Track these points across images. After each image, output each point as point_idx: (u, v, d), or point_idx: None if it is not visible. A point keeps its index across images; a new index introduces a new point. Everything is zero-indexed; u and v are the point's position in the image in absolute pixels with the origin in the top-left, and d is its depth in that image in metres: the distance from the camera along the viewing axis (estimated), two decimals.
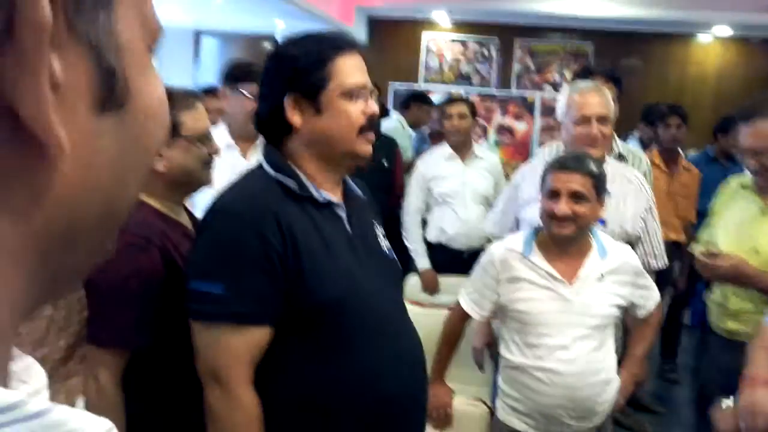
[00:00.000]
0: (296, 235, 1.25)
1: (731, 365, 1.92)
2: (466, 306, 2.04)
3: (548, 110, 6.72)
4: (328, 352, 1.28)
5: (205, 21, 6.12)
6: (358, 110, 1.31)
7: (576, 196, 1.87)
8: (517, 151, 6.78)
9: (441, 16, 6.73)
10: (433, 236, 3.66)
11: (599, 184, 1.93)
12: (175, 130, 1.47)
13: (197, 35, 6.75)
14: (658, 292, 2.09)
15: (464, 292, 2.07)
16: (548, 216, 1.90)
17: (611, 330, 2.01)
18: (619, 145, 2.73)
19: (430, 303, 3.24)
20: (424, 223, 3.73)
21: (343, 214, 1.37)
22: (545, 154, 2.50)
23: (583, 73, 2.79)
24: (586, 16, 5.83)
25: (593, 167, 1.93)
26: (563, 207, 1.86)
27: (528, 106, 6.79)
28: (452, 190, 3.59)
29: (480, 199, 3.57)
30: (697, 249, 2.29)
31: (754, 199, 2.23)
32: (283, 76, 1.30)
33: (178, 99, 1.48)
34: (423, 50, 7.01)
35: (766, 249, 2.12)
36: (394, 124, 4.81)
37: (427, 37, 7.00)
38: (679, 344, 4.60)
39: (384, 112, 4.91)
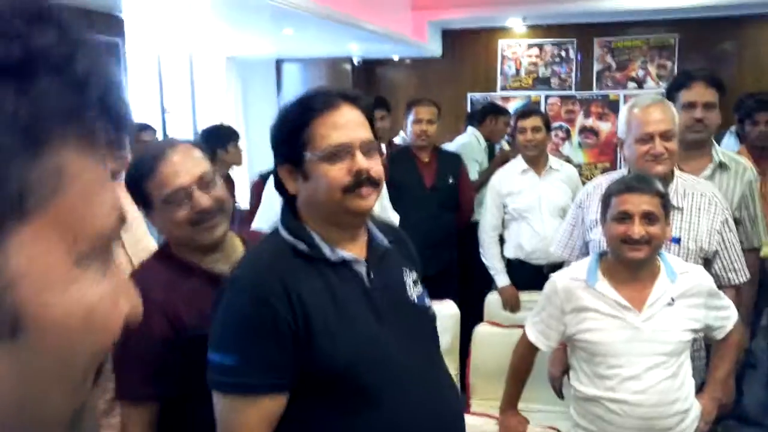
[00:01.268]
0: (305, 300, 1.25)
1: None
2: (533, 337, 2.02)
3: None
4: (348, 413, 1.27)
5: (285, 49, 6.36)
6: (340, 171, 1.28)
7: (648, 218, 1.83)
8: (602, 152, 6.61)
9: (515, 23, 6.66)
10: (511, 253, 3.63)
11: (667, 203, 1.90)
12: (147, 204, 1.53)
13: (278, 63, 7.01)
14: (735, 311, 2.00)
15: (530, 322, 2.05)
16: (621, 240, 1.86)
17: (687, 356, 1.94)
18: (719, 152, 2.60)
19: (510, 322, 3.23)
20: (502, 239, 3.72)
21: (362, 269, 1.35)
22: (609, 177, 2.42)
23: (683, 78, 2.63)
24: (668, 7, 5.60)
25: (660, 187, 1.90)
26: (638, 229, 1.82)
27: (611, 106, 6.59)
28: (528, 205, 3.54)
29: (558, 212, 3.50)
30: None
31: None
32: (273, 147, 1.36)
33: (140, 170, 1.51)
34: (499, 58, 6.96)
35: None
36: (468, 139, 4.80)
37: (502, 45, 6.94)
38: None
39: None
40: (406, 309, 1.40)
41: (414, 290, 1.44)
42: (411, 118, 3.76)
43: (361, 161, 1.28)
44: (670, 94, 2.61)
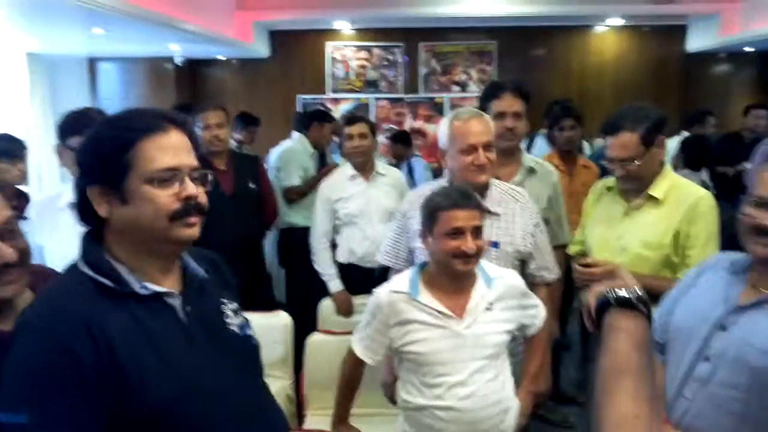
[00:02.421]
0: (114, 341, 1.14)
1: None
2: (360, 352, 2.00)
3: None
4: None
5: (98, 48, 5.88)
6: (168, 196, 1.21)
7: (477, 232, 1.89)
8: (431, 152, 6.84)
9: (343, 25, 6.70)
10: (343, 258, 3.62)
11: (484, 214, 1.98)
12: None
13: (92, 62, 6.48)
14: (543, 308, 2.12)
15: (357, 337, 2.03)
16: (454, 255, 1.88)
17: (506, 356, 2.02)
18: (527, 158, 2.76)
19: (344, 328, 3.20)
20: (334, 245, 3.69)
21: (175, 302, 1.27)
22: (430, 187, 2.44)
23: (493, 89, 2.73)
24: (488, 15, 5.92)
25: (480, 200, 1.98)
26: (471, 244, 1.86)
27: (437, 108, 6.86)
28: (358, 210, 3.55)
29: (386, 216, 3.54)
30: (573, 259, 2.45)
31: (619, 200, 2.41)
32: (85, 165, 1.23)
33: None
34: (328, 60, 6.96)
35: (631, 247, 2.30)
36: (293, 144, 4.71)
37: (331, 47, 6.95)
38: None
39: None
40: (227, 341, 1.34)
41: (235, 320, 1.38)
42: (200, 125, 3.47)
43: (191, 188, 1.23)
44: (483, 104, 2.72)
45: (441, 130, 2.33)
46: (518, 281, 2.06)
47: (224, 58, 6.95)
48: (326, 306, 3.48)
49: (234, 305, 1.41)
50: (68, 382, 1.10)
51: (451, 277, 1.92)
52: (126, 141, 1.20)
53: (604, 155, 4.52)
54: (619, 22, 6.66)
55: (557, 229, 2.85)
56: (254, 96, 6.97)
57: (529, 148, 4.97)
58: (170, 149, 1.22)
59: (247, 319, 1.42)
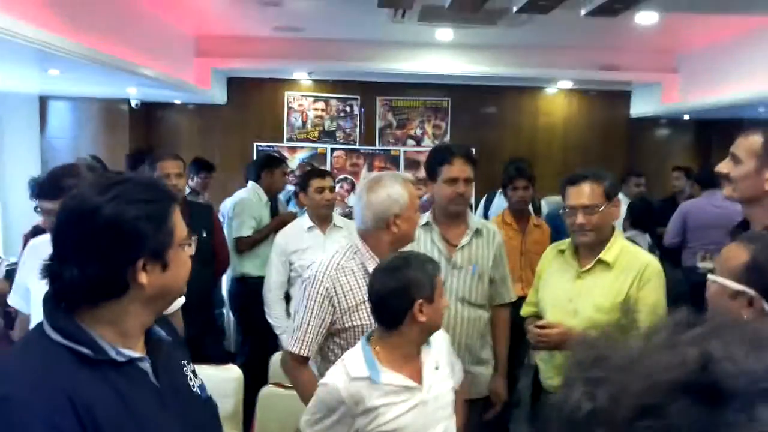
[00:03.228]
0: (96, 412, 1.11)
1: None
2: None
3: (412, 163, 6.91)
4: None
5: (51, 87, 5.77)
6: (188, 257, 1.31)
7: None
8: None
9: (302, 76, 6.78)
10: None
11: None
12: None
13: (43, 99, 6.35)
14: (460, 363, 2.18)
15: (311, 430, 1.89)
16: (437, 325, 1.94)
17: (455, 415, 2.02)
18: (474, 221, 2.86)
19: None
20: (288, 297, 3.66)
21: (147, 366, 1.26)
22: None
23: (445, 154, 2.77)
24: (443, 74, 6.09)
25: None
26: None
27: (393, 160, 6.96)
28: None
29: None
30: (527, 321, 2.54)
31: (571, 263, 2.49)
32: (125, 243, 1.20)
33: None
34: (285, 109, 7.01)
35: (583, 310, 2.37)
36: (247, 194, 4.60)
37: (289, 96, 7.01)
38: None
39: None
40: (193, 404, 1.36)
41: (195, 382, 1.39)
42: (157, 173, 3.50)
43: (192, 248, 1.34)
44: (433, 168, 2.78)
45: (394, 194, 2.27)
46: (445, 337, 2.09)
47: (181, 103, 6.91)
48: (277, 361, 3.42)
49: (192, 367, 1.41)
50: None
51: (407, 344, 1.89)
52: (165, 213, 1.25)
53: (558, 216, 4.66)
54: (568, 85, 6.96)
55: (502, 288, 2.93)
56: (210, 142, 6.94)
57: (489, 206, 5.08)
58: (179, 216, 1.31)
59: (202, 381, 1.42)
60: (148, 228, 1.21)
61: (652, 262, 2.40)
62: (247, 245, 4.34)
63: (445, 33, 5.27)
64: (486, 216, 4.89)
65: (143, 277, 1.20)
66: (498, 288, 2.89)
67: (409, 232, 2.31)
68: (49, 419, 1.07)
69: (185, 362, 1.40)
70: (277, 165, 4.71)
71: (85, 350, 1.16)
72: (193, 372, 1.41)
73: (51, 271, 1.19)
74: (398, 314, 1.85)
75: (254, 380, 3.13)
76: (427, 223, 2.80)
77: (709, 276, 1.54)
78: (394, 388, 1.84)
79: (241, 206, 4.39)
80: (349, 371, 1.85)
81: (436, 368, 1.94)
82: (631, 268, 2.36)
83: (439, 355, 1.98)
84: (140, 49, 4.40)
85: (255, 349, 3.68)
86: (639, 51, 5.95)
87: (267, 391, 3.02)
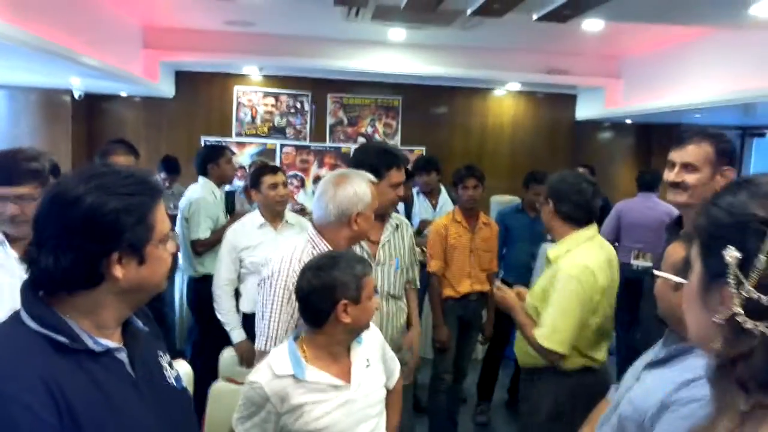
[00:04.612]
0: (72, 400, 1.11)
1: None
2: None
3: None
4: None
5: None
6: (169, 253, 1.31)
7: None
8: None
9: (252, 71, 6.70)
10: (247, 307, 3.55)
11: None
12: None
13: None
14: (397, 360, 2.19)
15: (241, 428, 1.88)
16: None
17: (385, 411, 2.04)
18: (394, 216, 3.02)
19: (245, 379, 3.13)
20: (237, 294, 3.62)
21: (124, 357, 1.26)
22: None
23: (391, 159, 2.84)
24: (395, 72, 6.12)
25: None
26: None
27: (344, 157, 6.94)
28: (265, 259, 3.49)
29: None
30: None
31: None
32: (101, 234, 1.18)
33: None
34: (234, 104, 6.92)
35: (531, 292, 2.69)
36: (202, 193, 4.40)
37: (238, 91, 6.92)
38: (497, 382, 4.87)
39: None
40: (168, 395, 1.36)
41: (171, 373, 1.40)
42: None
43: (173, 245, 1.34)
44: (379, 169, 2.80)
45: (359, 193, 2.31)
46: (377, 333, 2.11)
47: (126, 95, 6.73)
48: (228, 357, 3.39)
49: (168, 358, 1.41)
50: None
51: (336, 341, 1.90)
52: (147, 208, 1.24)
53: (507, 214, 4.73)
54: (517, 87, 7.10)
55: (412, 274, 3.18)
56: (156, 135, 6.78)
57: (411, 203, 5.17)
58: (164, 211, 1.30)
59: (178, 372, 1.43)
60: (127, 221, 1.20)
61: (565, 268, 2.49)
62: (204, 247, 4.25)
63: (397, 33, 5.30)
64: (408, 215, 4.99)
65: (118, 270, 1.20)
66: (410, 276, 3.13)
67: (366, 231, 2.36)
68: (25, 405, 1.06)
69: (161, 353, 1.41)
70: (221, 155, 4.58)
71: (62, 339, 1.15)
72: (169, 364, 1.41)
73: (30, 256, 1.19)
74: (321, 314, 1.87)
75: (208, 376, 3.14)
76: None
77: (655, 272, 1.61)
78: (320, 386, 1.85)
79: (196, 206, 4.27)
80: (274, 369, 1.85)
81: (367, 366, 1.95)
82: (558, 266, 2.52)
83: (370, 353, 1.99)
84: (84, 37, 4.27)
85: (212, 346, 3.62)
86: (584, 56, 6.13)
87: (217, 385, 3.04)
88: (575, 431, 2.39)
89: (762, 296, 0.79)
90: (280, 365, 1.85)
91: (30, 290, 1.20)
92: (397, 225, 2.97)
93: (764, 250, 0.79)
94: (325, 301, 1.85)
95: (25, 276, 1.21)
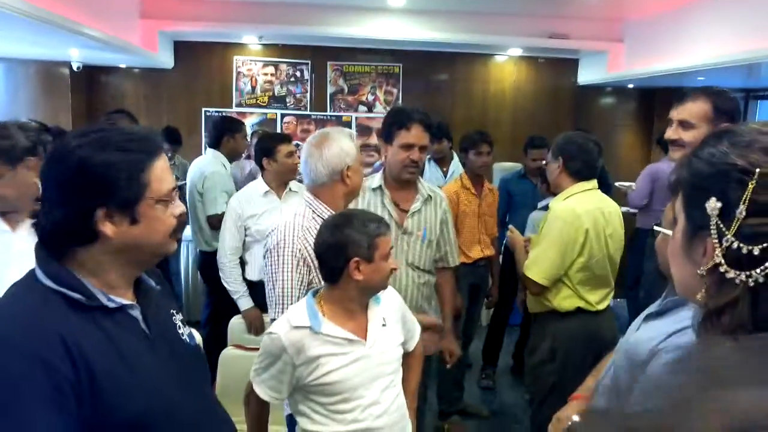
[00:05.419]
0: (88, 355, 1.14)
1: None
2: (263, 394, 1.93)
3: (364, 129, 6.89)
4: None
5: None
6: (170, 215, 1.29)
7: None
8: None
9: (251, 40, 6.64)
10: (253, 275, 3.58)
11: None
12: None
13: None
14: (418, 324, 2.21)
15: (258, 380, 1.94)
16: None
17: (401, 371, 2.06)
18: (426, 187, 2.91)
19: (256, 344, 3.17)
20: (243, 262, 3.64)
21: (138, 314, 1.29)
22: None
23: (402, 118, 2.74)
24: (395, 39, 6.06)
25: None
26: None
27: (344, 126, 6.91)
28: (271, 227, 3.53)
29: None
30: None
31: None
32: (89, 188, 1.19)
33: None
34: (234, 74, 6.87)
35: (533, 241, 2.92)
36: (214, 167, 4.33)
37: (238, 61, 6.87)
38: (501, 348, 4.91)
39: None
40: (182, 352, 1.39)
41: (184, 331, 1.43)
42: None
43: (181, 206, 1.33)
44: (389, 130, 2.78)
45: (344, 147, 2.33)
46: (396, 296, 2.13)
47: (126, 67, 6.68)
48: (236, 324, 3.43)
49: (180, 316, 1.45)
50: (43, 394, 1.08)
51: (351, 298, 1.92)
52: (140, 165, 1.23)
53: (509, 180, 4.75)
54: (518, 52, 7.03)
55: (447, 251, 3.00)
56: (157, 107, 6.75)
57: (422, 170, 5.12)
58: (167, 171, 1.29)
59: (191, 330, 1.47)
60: (116, 177, 1.20)
61: (554, 210, 2.81)
62: (219, 222, 4.25)
63: None
64: None
65: (108, 228, 1.21)
66: (443, 252, 2.97)
67: (359, 184, 2.42)
68: (42, 357, 1.09)
69: (174, 311, 1.44)
70: (239, 129, 4.56)
71: (77, 296, 1.18)
72: (182, 321, 1.45)
73: (37, 215, 1.22)
74: (335, 270, 1.90)
75: (220, 345, 3.21)
76: (379, 187, 2.82)
77: (655, 227, 1.63)
78: (336, 339, 1.88)
79: (212, 181, 4.23)
80: (291, 321, 1.89)
81: (384, 325, 1.98)
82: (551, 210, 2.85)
83: (387, 313, 2.01)
84: (82, 7, 4.22)
85: (224, 315, 3.65)
86: (586, 20, 6.05)
87: (227, 352, 3.11)
88: (567, 374, 2.53)
89: (743, 245, 0.79)
90: (297, 317, 1.90)
91: (43, 250, 1.22)
92: (430, 196, 2.88)
93: (744, 200, 0.79)
94: (337, 258, 1.88)
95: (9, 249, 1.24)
